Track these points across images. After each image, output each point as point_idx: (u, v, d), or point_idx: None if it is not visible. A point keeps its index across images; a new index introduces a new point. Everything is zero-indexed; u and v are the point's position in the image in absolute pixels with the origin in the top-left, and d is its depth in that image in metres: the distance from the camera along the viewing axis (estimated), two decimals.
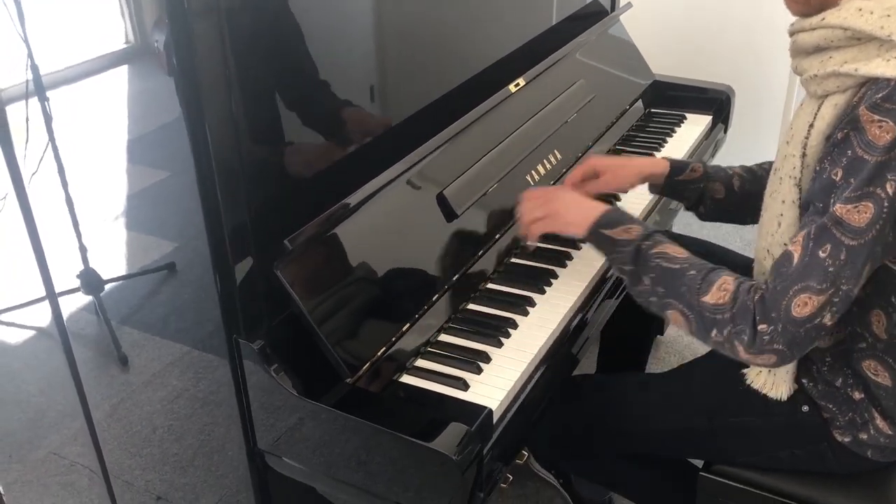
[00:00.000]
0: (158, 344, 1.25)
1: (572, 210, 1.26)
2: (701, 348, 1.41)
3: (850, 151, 0.99)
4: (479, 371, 1.15)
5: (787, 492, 1.29)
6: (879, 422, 1.18)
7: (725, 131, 2.05)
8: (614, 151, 1.80)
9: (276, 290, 1.05)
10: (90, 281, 1.23)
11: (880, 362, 1.14)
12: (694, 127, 1.94)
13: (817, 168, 1.05)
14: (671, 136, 1.88)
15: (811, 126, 1.06)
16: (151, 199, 1.12)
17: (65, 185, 1.13)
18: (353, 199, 1.14)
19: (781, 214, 1.12)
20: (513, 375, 1.15)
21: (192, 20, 0.90)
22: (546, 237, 1.47)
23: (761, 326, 1.02)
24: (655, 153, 1.80)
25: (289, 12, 1.04)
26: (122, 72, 1.06)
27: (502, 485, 1.73)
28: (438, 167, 1.33)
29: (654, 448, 1.42)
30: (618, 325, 1.94)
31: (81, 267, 1.22)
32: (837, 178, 1.00)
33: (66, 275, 1.24)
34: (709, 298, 1.07)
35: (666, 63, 2.16)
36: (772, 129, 2.71)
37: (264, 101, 1.03)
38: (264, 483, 1.20)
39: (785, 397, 1.22)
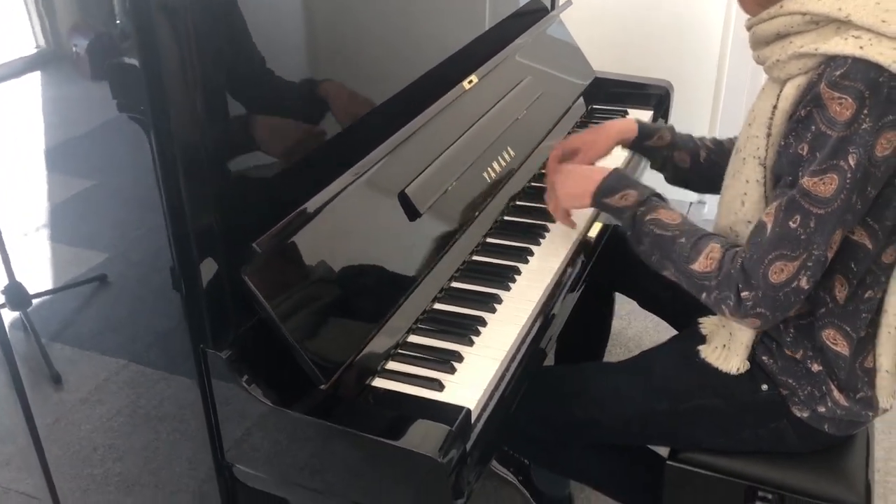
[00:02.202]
0: (93, 359, 1.20)
1: (574, 186, 1.36)
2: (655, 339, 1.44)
3: (813, 127, 1.04)
4: (452, 371, 1.13)
5: (751, 475, 1.32)
6: (836, 394, 1.22)
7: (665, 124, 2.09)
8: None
9: (244, 296, 1.00)
10: (16, 296, 1.17)
11: (839, 331, 1.19)
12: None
13: (782, 143, 1.10)
14: None
15: (775, 108, 1.11)
16: (76, 209, 1.07)
17: None
18: (315, 202, 1.11)
19: (745, 193, 1.17)
20: (487, 373, 1.14)
21: (159, 26, 0.86)
22: (505, 232, 1.47)
23: (744, 293, 1.10)
24: None
25: (242, 20, 1.00)
26: (35, 78, 1.01)
27: None
28: (400, 166, 1.31)
29: (619, 436, 1.43)
30: (575, 325, 1.97)
31: (6, 281, 1.16)
32: (804, 153, 1.06)
33: None
34: (696, 266, 1.15)
35: (603, 60, 2.19)
36: (703, 120, 2.81)
37: (223, 104, 0.99)
38: (233, 497, 1.15)
39: (735, 371, 1.26)
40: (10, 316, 1.21)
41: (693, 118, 2.74)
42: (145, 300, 1.09)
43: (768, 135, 1.13)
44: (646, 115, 2.00)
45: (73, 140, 1.02)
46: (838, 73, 1.01)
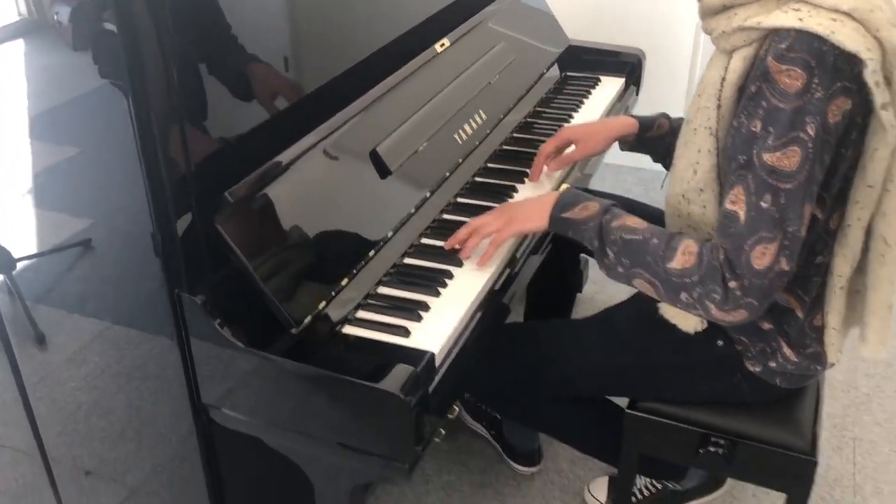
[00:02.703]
0: (77, 321, 1.23)
1: (527, 208, 1.30)
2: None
3: (764, 103, 1.06)
4: (419, 319, 1.18)
5: (705, 423, 1.39)
6: (786, 350, 1.28)
7: (637, 93, 2.14)
8: (534, 114, 1.85)
9: (217, 244, 1.05)
10: (1, 259, 1.20)
11: (790, 293, 1.24)
12: (608, 89, 2.01)
13: (735, 123, 1.11)
14: (587, 98, 1.95)
15: (723, 79, 1.13)
16: (61, 175, 1.10)
17: None
18: (289, 155, 1.15)
19: (697, 162, 1.19)
20: (451, 322, 1.19)
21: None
22: (475, 193, 1.52)
23: (732, 283, 1.09)
24: (574, 114, 1.87)
25: None
26: (18, 46, 1.03)
27: (435, 438, 1.79)
28: (372, 125, 1.35)
29: (582, 388, 1.49)
30: (543, 281, 2.03)
31: None
32: (757, 130, 1.07)
33: None
34: (675, 264, 1.13)
35: (579, 27, 2.23)
36: (679, 89, 2.85)
37: (197, 63, 1.03)
38: (209, 439, 1.20)
39: (692, 331, 1.30)
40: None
41: (669, 86, 2.79)
42: (128, 264, 1.12)
43: (718, 106, 1.15)
44: (618, 83, 2.05)
45: (57, 108, 1.04)
46: (783, 45, 1.03)
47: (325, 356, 1.06)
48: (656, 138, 1.57)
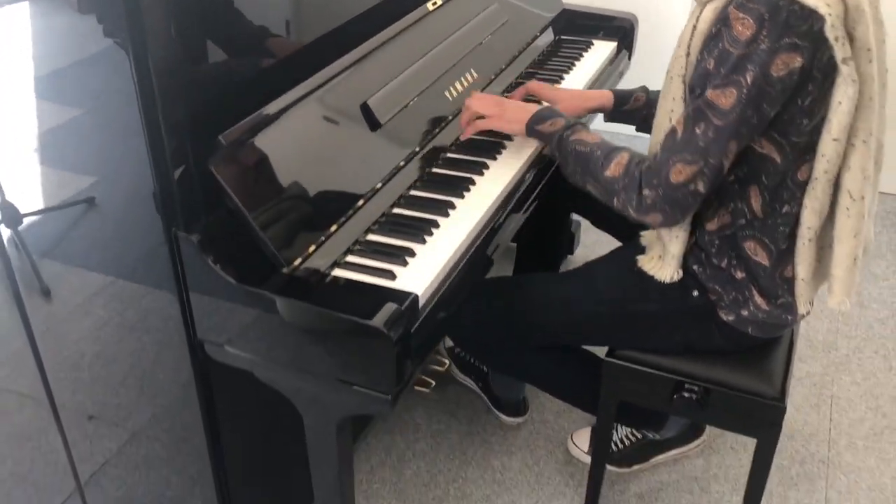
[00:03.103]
0: (81, 276, 1.28)
1: (514, 111, 1.49)
2: None
3: (720, 44, 1.14)
4: (405, 264, 1.24)
5: (680, 370, 1.45)
6: (758, 299, 1.34)
7: (630, 57, 2.18)
8: (525, 75, 1.89)
9: (211, 186, 1.10)
10: (8, 214, 1.25)
11: (758, 243, 1.30)
12: (600, 53, 2.05)
13: (698, 58, 1.20)
14: (579, 61, 1.99)
15: (694, 28, 1.20)
16: (66, 135, 1.14)
17: None
18: (281, 103, 1.20)
19: (672, 110, 1.27)
20: (436, 267, 1.24)
21: None
22: (465, 148, 1.57)
23: (645, 191, 1.23)
24: (564, 76, 1.91)
25: None
26: (24, 8, 1.06)
27: (425, 390, 1.86)
28: (363, 78, 1.39)
29: (562, 337, 1.55)
30: (533, 242, 2.09)
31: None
32: (711, 68, 1.16)
33: None
34: (608, 172, 1.28)
35: None
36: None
37: (196, 15, 1.07)
38: (205, 374, 1.26)
39: (668, 279, 1.38)
40: (4, 234, 1.30)
41: (662, 52, 2.81)
42: (131, 221, 1.16)
43: (688, 54, 1.23)
44: (610, 47, 2.08)
45: (62, 70, 1.08)
46: None
47: (314, 294, 1.11)
48: (633, 111, 1.64)
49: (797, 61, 1.10)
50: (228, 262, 1.10)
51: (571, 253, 2.50)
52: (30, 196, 1.22)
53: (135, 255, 1.20)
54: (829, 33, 1.07)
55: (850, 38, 1.10)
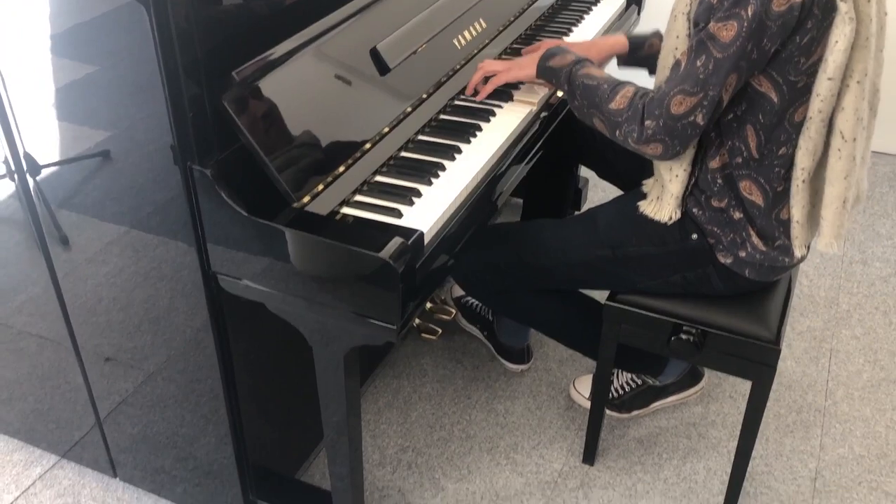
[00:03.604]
0: (97, 226, 1.32)
1: (523, 60, 1.54)
2: None
3: None
4: (411, 203, 1.28)
5: (678, 314, 1.49)
6: (755, 239, 1.37)
7: (639, 13, 2.19)
8: (534, 27, 1.91)
9: (225, 122, 1.14)
10: (28, 165, 1.30)
11: (753, 182, 1.33)
12: (608, 7, 2.06)
13: None
14: (588, 15, 2.01)
15: None
16: (82, 90, 1.17)
17: None
18: (293, 43, 1.23)
19: (676, 48, 1.30)
20: (441, 207, 1.28)
21: None
22: (472, 96, 1.60)
23: (647, 122, 1.27)
24: (573, 28, 1.92)
25: None
26: None
27: (432, 337, 1.91)
28: (373, 23, 1.42)
29: (564, 281, 1.60)
30: (540, 196, 2.12)
31: (21, 150, 1.28)
32: (714, 1, 1.19)
33: None
34: (613, 105, 1.32)
35: None
36: None
37: None
38: (219, 308, 1.31)
39: (666, 220, 1.41)
40: (18, 185, 1.34)
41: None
42: (146, 174, 1.20)
43: None
44: (619, 2, 2.09)
45: (80, 26, 1.11)
46: None
47: (323, 227, 1.15)
48: (648, 56, 1.64)
49: None
50: (240, 195, 1.15)
51: (578, 209, 2.54)
52: (48, 148, 1.27)
53: (148, 206, 1.24)
54: None
55: None
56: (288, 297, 1.20)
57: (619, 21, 2.07)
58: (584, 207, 2.57)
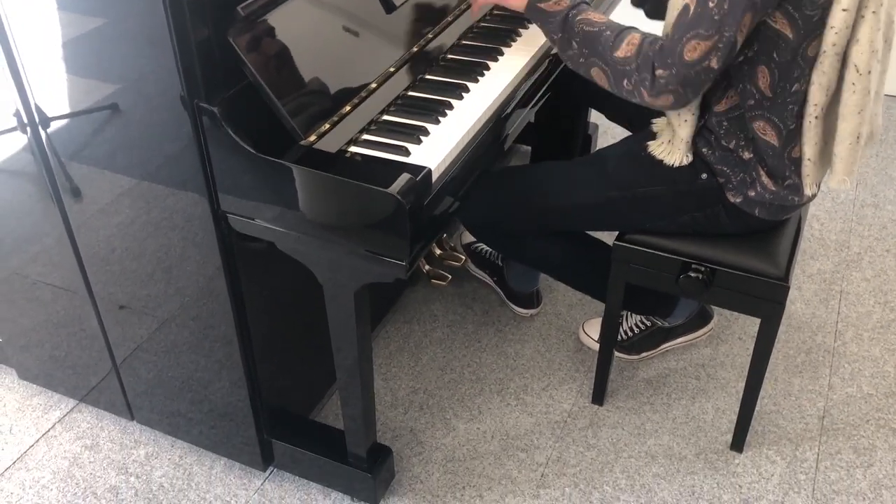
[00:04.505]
0: (108, 177, 1.33)
1: None
2: None
3: None
4: (419, 142, 1.28)
5: (687, 252, 1.49)
6: (765, 178, 1.37)
7: None
8: None
9: (231, 58, 1.14)
10: (39, 118, 1.30)
11: (767, 122, 1.32)
12: None
13: None
14: None
15: None
16: (90, 44, 1.17)
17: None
18: None
19: None
20: (448, 145, 1.28)
21: None
22: (480, 35, 1.58)
23: (658, 71, 1.21)
24: None
25: None
26: None
27: (442, 283, 1.92)
28: None
29: (574, 222, 1.59)
30: (549, 143, 2.11)
31: (31, 103, 1.28)
32: None
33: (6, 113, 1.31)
34: (619, 53, 1.25)
35: None
36: None
37: None
38: (229, 250, 1.32)
39: (677, 163, 1.39)
40: (27, 139, 1.35)
41: None
42: (156, 126, 1.20)
43: None
44: None
45: None
46: None
47: (331, 165, 1.15)
48: None
49: None
50: (248, 133, 1.15)
51: None
52: (58, 101, 1.27)
53: (159, 157, 1.25)
54: None
55: None
56: (297, 235, 1.21)
57: None
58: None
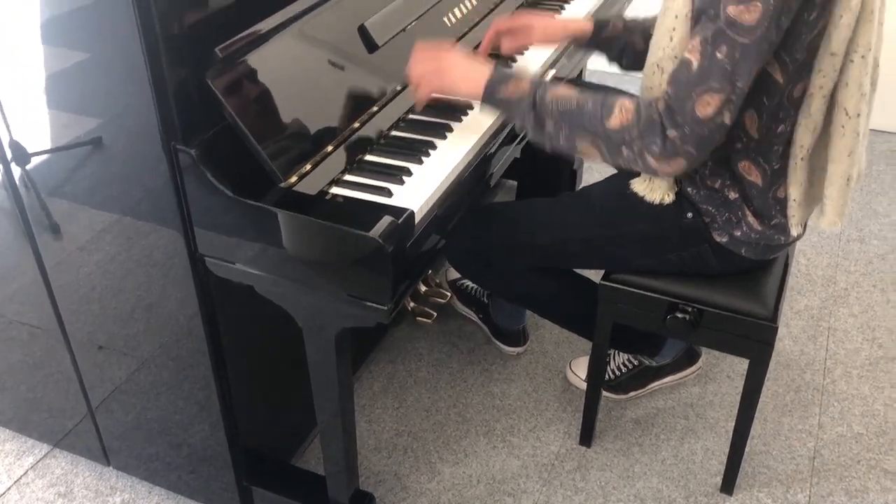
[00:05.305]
0: (89, 213, 1.30)
1: (462, 69, 1.32)
2: None
3: None
4: (402, 182, 1.26)
5: (674, 292, 1.47)
6: (751, 219, 1.35)
7: None
8: (528, 4, 1.88)
9: (209, 100, 1.12)
10: (17, 154, 1.28)
11: (753, 162, 1.30)
12: None
13: None
14: None
15: None
16: (72, 78, 1.15)
17: None
18: (278, 19, 1.20)
19: (674, 29, 1.22)
20: (431, 186, 1.26)
21: None
22: None
23: (670, 132, 1.14)
24: (566, 5, 1.89)
25: None
26: None
27: (427, 321, 1.89)
28: (361, 0, 1.40)
29: (559, 259, 1.57)
30: (534, 178, 2.10)
31: (8, 138, 1.26)
32: None
33: None
34: (613, 123, 1.18)
35: None
36: None
37: None
38: (207, 292, 1.29)
39: (658, 201, 1.37)
40: (7, 173, 1.32)
41: None
42: (137, 160, 1.18)
43: None
44: None
45: (68, 14, 1.08)
46: None
47: (312, 208, 1.13)
48: (610, 38, 1.57)
49: None
50: (226, 175, 1.12)
51: (573, 190, 2.51)
52: (38, 136, 1.25)
53: (140, 191, 1.22)
54: None
55: None
56: (276, 279, 1.18)
57: None
58: (579, 188, 2.54)
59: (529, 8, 1.87)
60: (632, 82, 1.53)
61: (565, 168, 2.36)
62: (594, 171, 2.65)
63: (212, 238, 1.20)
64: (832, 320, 2.10)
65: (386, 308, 1.13)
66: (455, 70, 1.33)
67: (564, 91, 1.25)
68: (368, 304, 1.14)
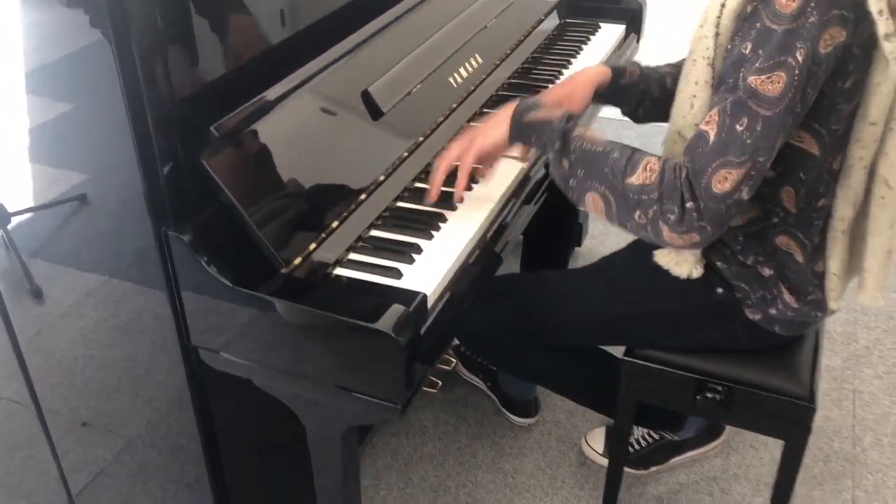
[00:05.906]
0: (73, 275, 1.22)
1: (486, 123, 1.26)
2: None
3: (758, 24, 1.02)
4: (411, 261, 1.16)
5: (703, 370, 1.37)
6: (787, 296, 1.26)
7: (638, 41, 2.10)
8: (532, 60, 1.81)
9: (204, 182, 1.02)
10: None
11: (792, 237, 1.22)
12: (607, 36, 1.97)
13: (728, 46, 1.08)
14: (586, 45, 1.91)
15: (723, 6, 1.09)
16: (56, 131, 1.07)
17: None
18: (277, 91, 1.12)
19: (694, 96, 1.15)
20: (444, 264, 1.16)
21: None
22: None
23: (689, 204, 1.04)
24: (572, 60, 1.82)
25: None
26: (14, 1, 1.00)
27: (432, 390, 1.79)
28: (364, 64, 1.32)
29: (578, 338, 1.48)
30: (540, 234, 2.01)
31: None
32: (747, 52, 1.02)
33: None
34: (634, 179, 1.08)
35: None
36: (681, 38, 2.78)
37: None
38: (200, 379, 1.19)
39: (685, 276, 1.27)
40: None
41: (671, 35, 2.74)
42: (124, 219, 1.10)
43: (716, 34, 1.11)
44: (618, 30, 2.00)
45: (51, 64, 1.02)
46: None
47: (315, 296, 1.03)
48: (628, 86, 1.45)
49: (841, 36, 1.00)
50: (223, 262, 1.03)
51: (579, 244, 2.43)
52: (19, 194, 1.17)
53: (128, 253, 1.14)
54: (873, 7, 0.98)
55: (893, 12, 1.01)
56: (278, 374, 1.08)
57: (619, 50, 1.98)
58: (585, 241, 2.46)
59: (535, 63, 1.80)
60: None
61: (572, 220, 2.28)
62: (599, 223, 2.56)
63: (207, 329, 1.10)
64: (856, 382, 2.00)
65: (398, 406, 1.03)
66: (480, 129, 1.26)
67: (591, 134, 1.16)
68: (378, 402, 1.03)
